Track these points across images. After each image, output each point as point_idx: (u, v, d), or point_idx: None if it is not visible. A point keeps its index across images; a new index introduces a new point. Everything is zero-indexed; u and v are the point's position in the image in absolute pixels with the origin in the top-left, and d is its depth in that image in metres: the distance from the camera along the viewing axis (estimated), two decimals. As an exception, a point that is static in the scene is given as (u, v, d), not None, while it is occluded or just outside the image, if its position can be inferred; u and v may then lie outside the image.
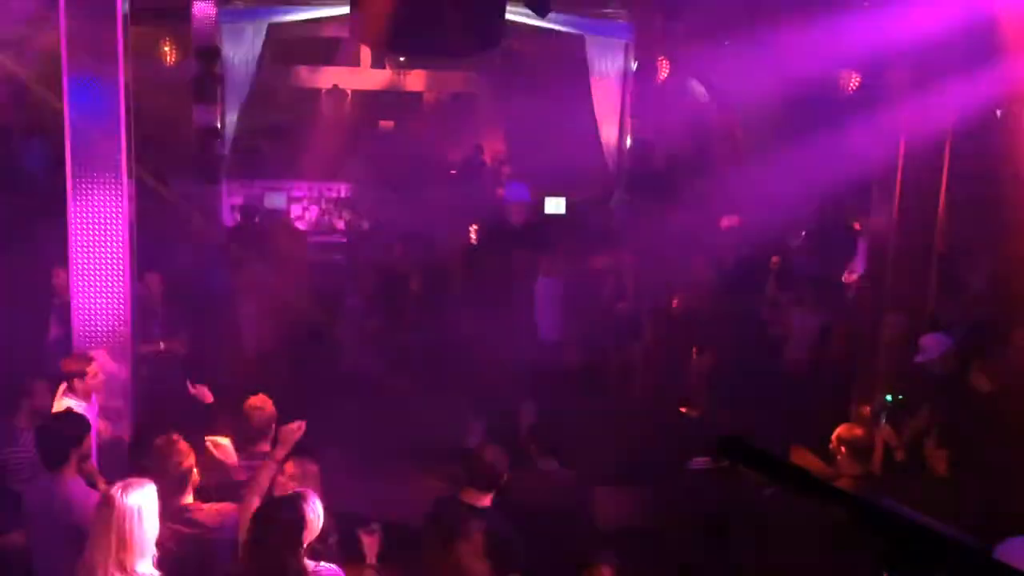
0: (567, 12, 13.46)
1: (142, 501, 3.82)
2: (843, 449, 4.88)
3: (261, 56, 14.13)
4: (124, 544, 3.71)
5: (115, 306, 6.63)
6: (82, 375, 5.96)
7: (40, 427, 4.88)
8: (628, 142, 14.21)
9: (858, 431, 4.99)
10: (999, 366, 6.54)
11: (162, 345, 7.82)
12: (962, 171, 8.01)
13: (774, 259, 10.05)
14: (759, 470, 1.61)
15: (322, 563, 3.91)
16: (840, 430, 4.99)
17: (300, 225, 13.31)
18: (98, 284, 6.60)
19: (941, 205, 7.25)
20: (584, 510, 4.94)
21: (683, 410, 8.76)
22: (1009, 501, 5.53)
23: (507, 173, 15.98)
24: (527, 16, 11.58)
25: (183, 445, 4.49)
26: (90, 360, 6.14)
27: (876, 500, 1.54)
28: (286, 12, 13.89)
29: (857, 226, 11.21)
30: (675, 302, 9.82)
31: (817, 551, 4.39)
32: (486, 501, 4.54)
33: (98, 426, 6.14)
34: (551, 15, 13.24)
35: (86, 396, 5.99)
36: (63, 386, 6.00)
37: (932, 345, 6.90)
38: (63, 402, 5.79)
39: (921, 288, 7.31)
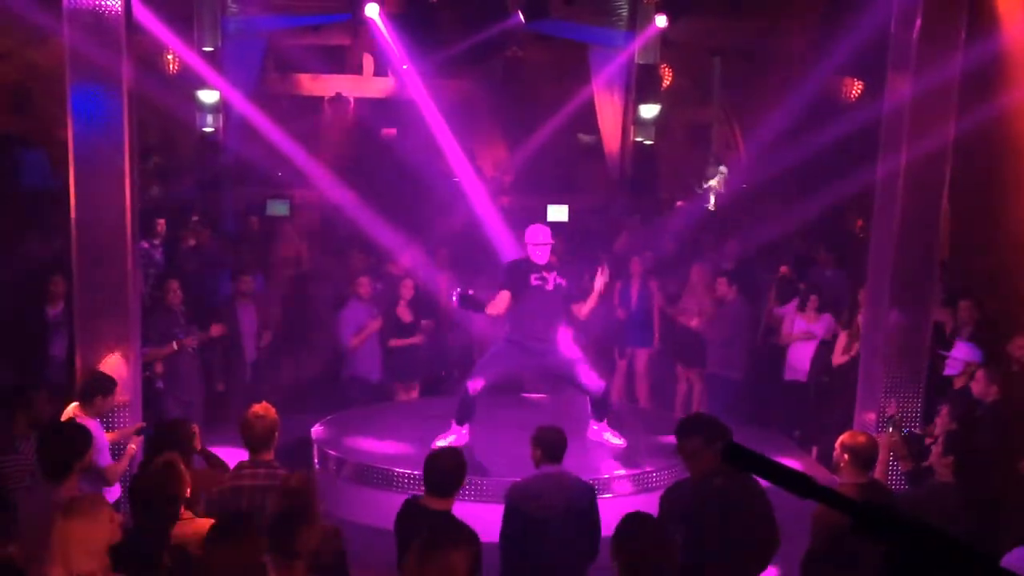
0: (569, 20, 13.52)
1: (93, 511, 3.82)
2: (846, 456, 4.86)
3: (263, 64, 14.18)
4: (71, 555, 3.69)
5: (119, 309, 6.64)
6: (107, 394, 5.96)
7: (42, 437, 4.85)
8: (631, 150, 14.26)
9: (862, 438, 4.97)
10: (1003, 374, 6.53)
11: (175, 345, 7.87)
12: (965, 177, 8.03)
13: (782, 269, 10.04)
14: (764, 476, 1.61)
15: None
16: (844, 437, 4.98)
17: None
18: (102, 290, 6.61)
19: (945, 209, 7.24)
20: (592, 508, 5.03)
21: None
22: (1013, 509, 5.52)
23: (509, 182, 16.00)
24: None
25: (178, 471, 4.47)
26: (115, 382, 6.14)
27: (880, 505, 1.54)
28: (288, 20, 13.93)
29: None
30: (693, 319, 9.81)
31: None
32: (447, 505, 4.57)
33: (108, 437, 6.16)
34: (553, 24, 13.32)
35: (99, 415, 5.99)
36: (74, 405, 5.96)
37: (962, 355, 6.88)
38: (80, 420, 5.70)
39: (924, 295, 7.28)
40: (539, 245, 7.08)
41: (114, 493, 5.92)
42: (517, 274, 7.06)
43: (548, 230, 7.22)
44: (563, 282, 7.11)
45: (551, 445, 5.06)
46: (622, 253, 10.80)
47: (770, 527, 4.51)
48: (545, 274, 7.04)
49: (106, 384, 6.03)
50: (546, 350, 7.11)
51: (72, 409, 5.91)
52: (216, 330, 8.42)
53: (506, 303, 7.01)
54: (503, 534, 4.90)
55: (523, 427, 6.95)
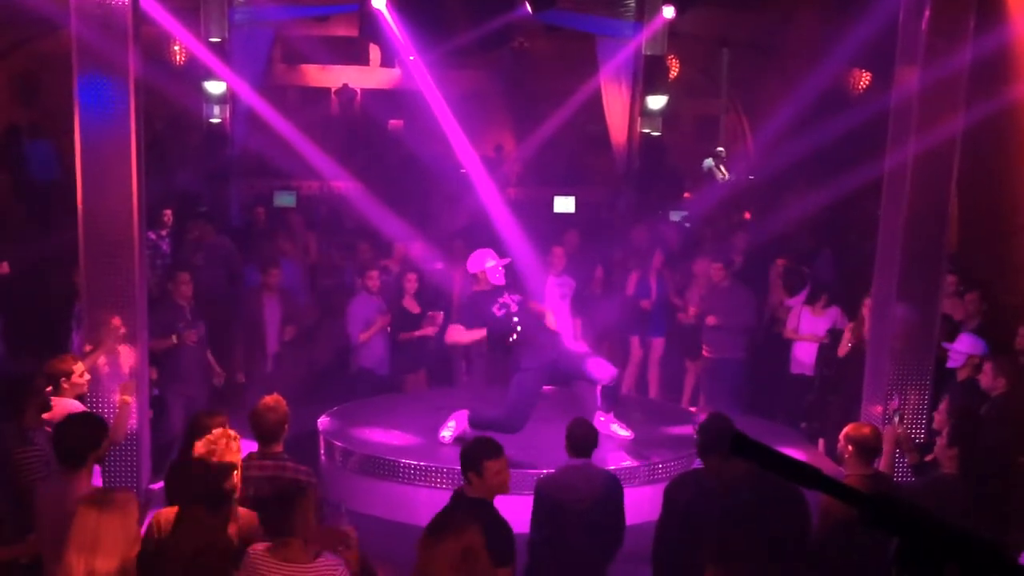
0: (577, 11, 13.48)
1: (126, 508, 3.83)
2: (850, 448, 4.87)
3: (270, 55, 14.15)
4: (97, 549, 3.70)
5: (127, 299, 6.65)
6: (68, 375, 5.91)
7: (58, 427, 4.85)
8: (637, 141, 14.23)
9: (866, 430, 4.97)
10: (1010, 365, 6.51)
11: (174, 339, 7.80)
12: (974, 169, 7.99)
13: (779, 261, 10.00)
14: (770, 467, 1.61)
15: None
16: (848, 429, 4.98)
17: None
18: (110, 280, 6.62)
19: (953, 204, 7.21)
20: (618, 499, 5.17)
21: (692, 410, 8.76)
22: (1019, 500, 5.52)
23: (517, 173, 15.98)
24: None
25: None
26: (76, 360, 6.10)
27: (889, 498, 1.54)
28: (295, 11, 13.91)
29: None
30: (691, 309, 9.78)
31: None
32: (475, 493, 4.63)
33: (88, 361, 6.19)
34: (561, 15, 13.28)
35: (74, 395, 5.96)
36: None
37: (965, 348, 6.86)
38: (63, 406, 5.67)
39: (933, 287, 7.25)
40: (495, 267, 6.97)
41: (96, 479, 5.91)
42: (482, 311, 6.96)
43: (491, 250, 7.12)
44: (517, 296, 7.05)
45: (576, 439, 5.16)
46: (639, 245, 10.76)
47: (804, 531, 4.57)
48: (502, 300, 6.94)
49: (62, 365, 5.94)
50: (558, 354, 7.12)
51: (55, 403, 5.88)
52: (191, 337, 7.95)
53: (482, 334, 6.96)
54: (533, 525, 5.02)
55: (535, 420, 6.98)
